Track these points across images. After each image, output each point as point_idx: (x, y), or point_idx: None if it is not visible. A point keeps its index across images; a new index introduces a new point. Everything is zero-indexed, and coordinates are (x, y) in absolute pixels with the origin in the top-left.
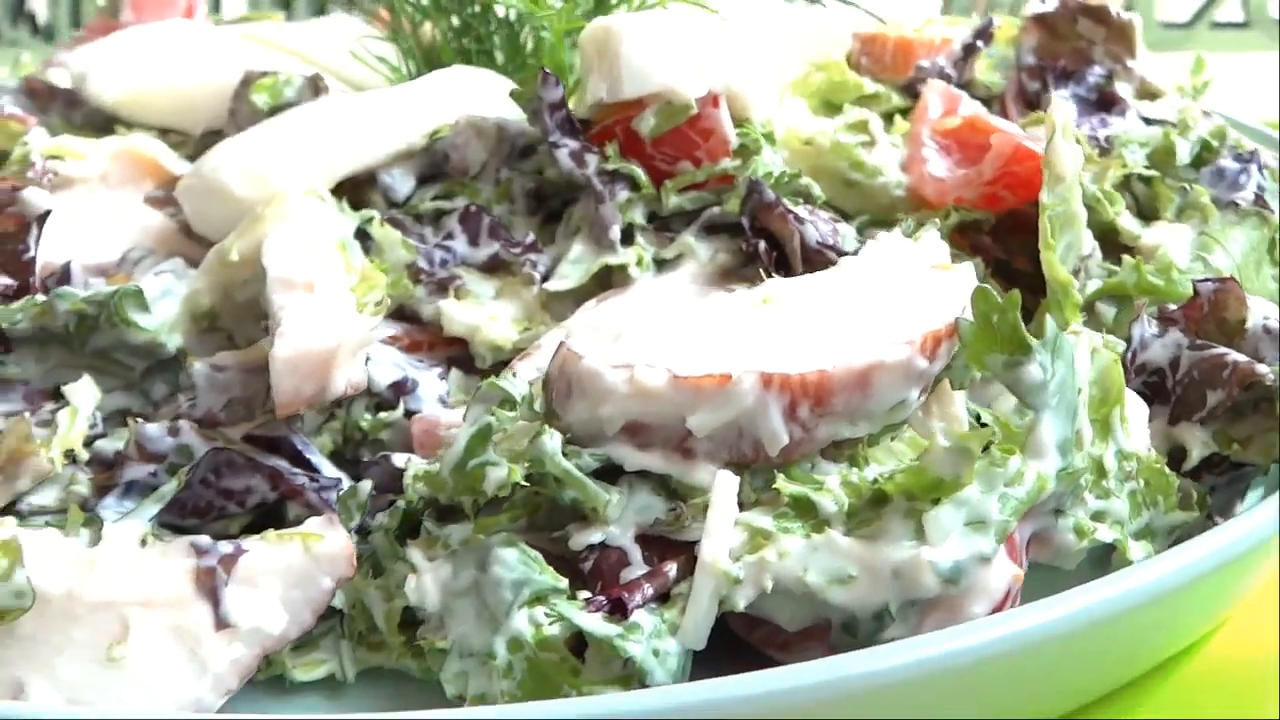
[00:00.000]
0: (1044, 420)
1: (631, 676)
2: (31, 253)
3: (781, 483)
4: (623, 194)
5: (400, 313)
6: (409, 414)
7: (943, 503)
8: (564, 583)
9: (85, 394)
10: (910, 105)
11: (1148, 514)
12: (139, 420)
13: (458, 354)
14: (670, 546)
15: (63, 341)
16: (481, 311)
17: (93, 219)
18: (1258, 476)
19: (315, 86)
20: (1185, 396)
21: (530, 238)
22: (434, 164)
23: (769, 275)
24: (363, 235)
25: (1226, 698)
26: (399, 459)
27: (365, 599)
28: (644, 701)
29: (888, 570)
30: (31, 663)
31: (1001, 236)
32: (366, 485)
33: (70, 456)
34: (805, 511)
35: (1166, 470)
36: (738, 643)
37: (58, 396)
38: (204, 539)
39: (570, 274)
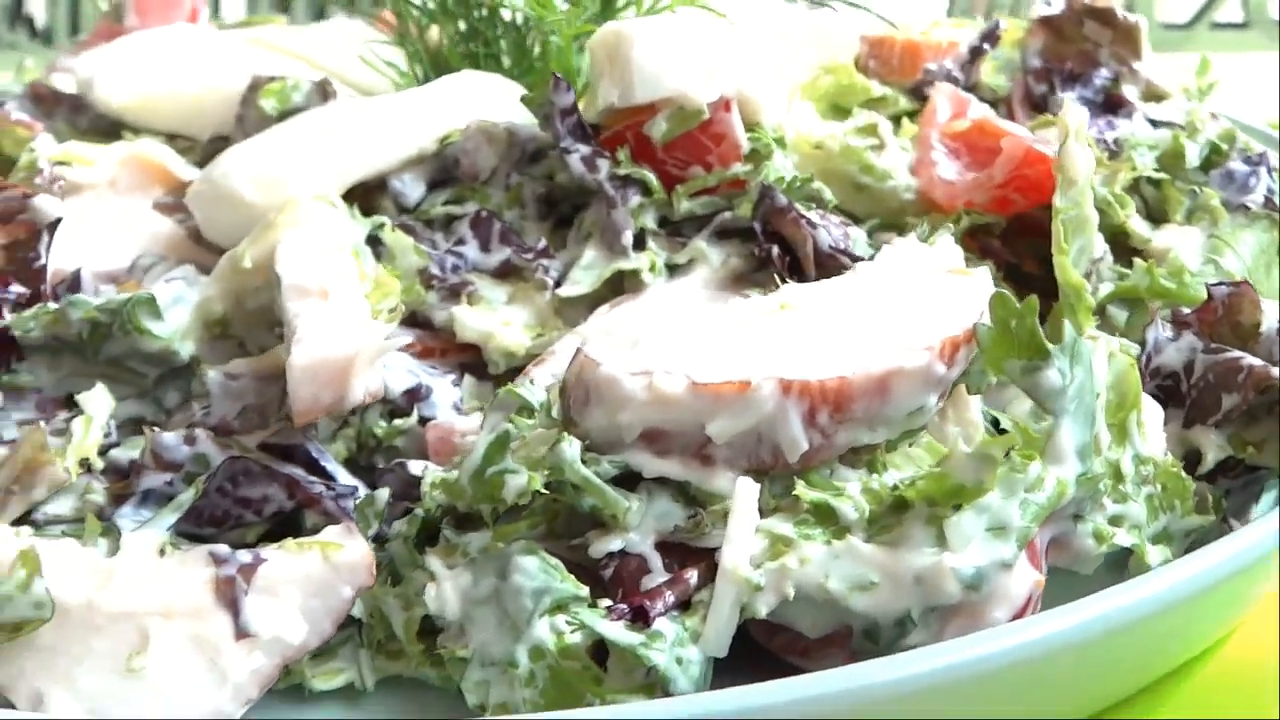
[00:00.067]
0: (1063, 425)
1: (654, 685)
2: (43, 260)
3: (801, 489)
4: (635, 199)
5: (412, 319)
6: (423, 421)
7: (964, 509)
8: (585, 591)
9: (99, 402)
10: (917, 108)
11: (1164, 518)
12: (155, 429)
13: (470, 360)
14: (690, 553)
15: (75, 349)
16: (494, 317)
17: (101, 225)
18: (1272, 479)
19: (323, 91)
20: (1200, 400)
21: (542, 243)
22: (444, 169)
23: (783, 280)
24: (373, 241)
25: (1244, 698)
26: (415, 466)
27: (384, 607)
28: (673, 710)
29: (910, 577)
30: (51, 674)
31: (1010, 240)
32: (384, 493)
33: (85, 465)
34: (826, 518)
35: (1183, 474)
36: (757, 649)
37: (70, 405)
38: (223, 548)
39: (583, 279)
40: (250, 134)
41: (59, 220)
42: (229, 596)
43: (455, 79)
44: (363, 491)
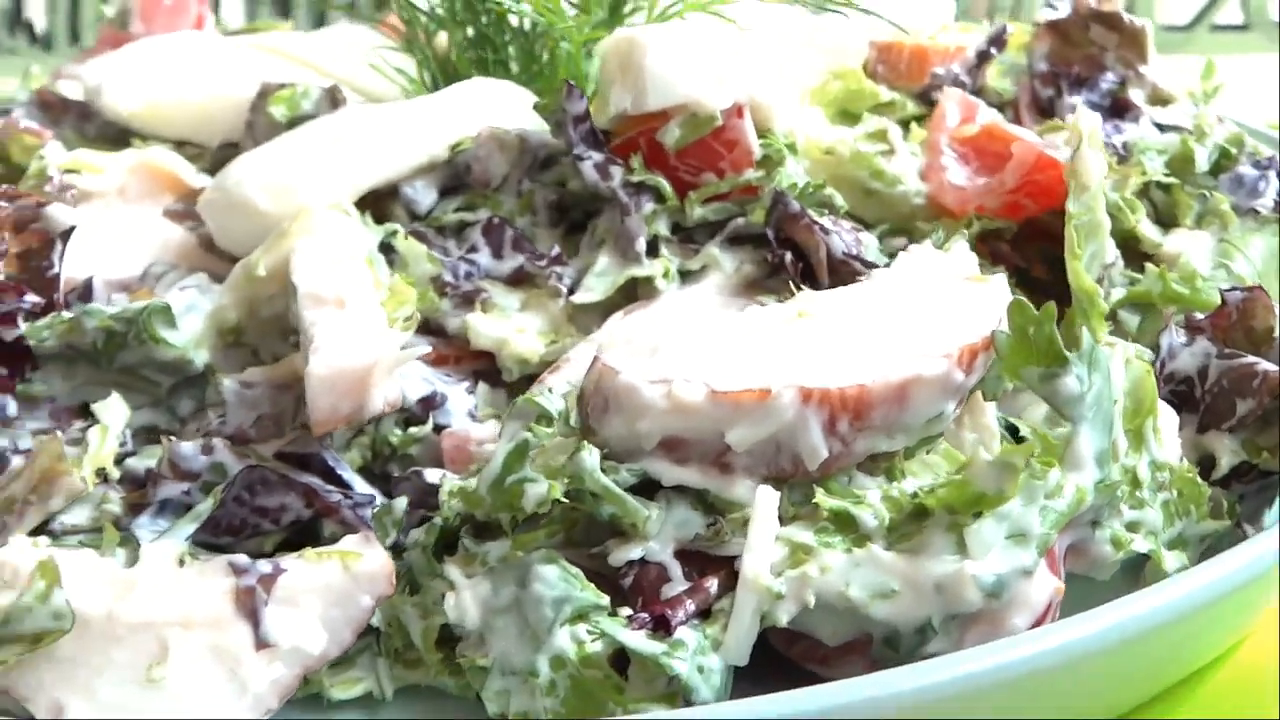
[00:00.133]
0: (1081, 432)
1: (676, 694)
2: (56, 269)
3: (821, 497)
4: (648, 206)
5: (425, 326)
6: (438, 429)
7: (984, 516)
8: (605, 599)
9: (115, 412)
10: (925, 113)
11: (1180, 523)
12: (171, 439)
13: (484, 367)
14: (709, 562)
15: (90, 358)
16: (508, 324)
17: (112, 233)
18: None
19: (333, 98)
20: (1214, 405)
21: (555, 250)
22: (456, 176)
23: (797, 287)
24: (386, 248)
25: (1256, 702)
26: (431, 474)
27: (402, 616)
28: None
29: (930, 584)
30: (71, 685)
31: (1019, 244)
32: (402, 502)
33: (101, 475)
34: (845, 526)
35: (1198, 480)
36: (776, 657)
37: (84, 414)
38: (242, 558)
39: (596, 286)
40: (260, 141)
41: (72, 229)
42: (249, 606)
43: (467, 86)
44: (380, 500)
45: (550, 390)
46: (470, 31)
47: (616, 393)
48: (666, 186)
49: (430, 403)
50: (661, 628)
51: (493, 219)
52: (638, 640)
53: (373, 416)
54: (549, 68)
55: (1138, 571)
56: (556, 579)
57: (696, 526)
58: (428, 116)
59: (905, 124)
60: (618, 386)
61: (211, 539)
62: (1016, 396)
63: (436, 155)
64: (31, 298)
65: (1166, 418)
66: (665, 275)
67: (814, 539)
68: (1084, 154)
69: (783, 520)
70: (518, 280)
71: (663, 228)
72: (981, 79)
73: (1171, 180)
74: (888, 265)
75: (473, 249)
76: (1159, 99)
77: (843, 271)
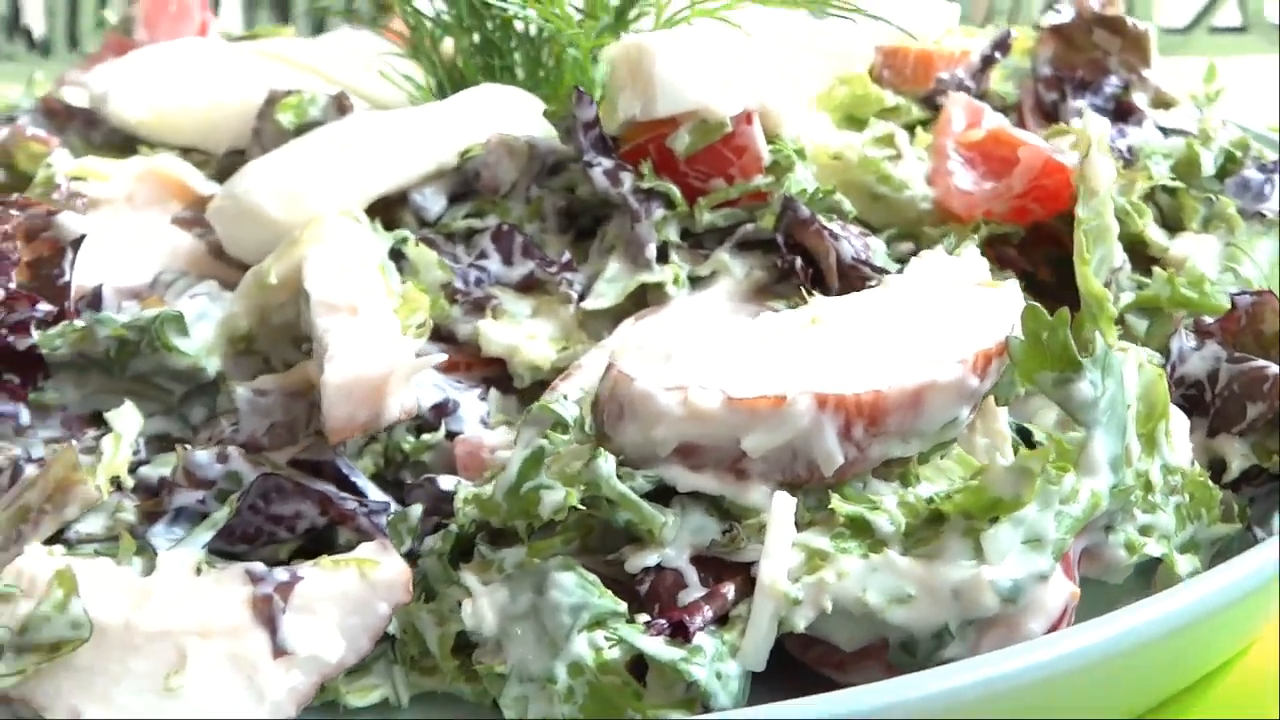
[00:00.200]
0: (1096, 437)
1: (695, 699)
2: (66, 277)
3: (837, 503)
4: (658, 212)
5: (436, 333)
6: (450, 435)
7: (1000, 522)
8: (623, 606)
9: (129, 420)
10: (930, 117)
11: (1192, 527)
12: (186, 447)
13: (495, 374)
14: (725, 568)
15: (102, 367)
16: (519, 331)
17: (120, 241)
18: None
19: (340, 105)
20: (1225, 409)
21: (566, 256)
22: (464, 182)
23: (808, 292)
24: (395, 255)
25: (1267, 703)
26: (445, 481)
27: (417, 623)
28: None
29: (947, 590)
30: (89, 693)
31: (1025, 249)
32: (417, 509)
33: (116, 483)
34: (861, 531)
35: (1210, 483)
36: (791, 662)
37: (96, 422)
38: (259, 566)
39: (607, 293)
40: (267, 148)
41: (83, 237)
42: (266, 614)
43: (475, 93)
44: (394, 507)
45: (565, 397)
46: (476, 37)
47: (632, 399)
48: (676, 192)
49: (443, 409)
50: (679, 634)
51: (502, 225)
52: (656, 646)
53: (389, 424)
54: (554, 73)
55: (1149, 574)
56: (574, 585)
57: (712, 532)
58: (437, 123)
59: (910, 128)
60: (633, 393)
61: (226, 547)
62: (1027, 401)
63: (446, 162)
64: (44, 306)
65: (1178, 422)
66: (675, 281)
67: (830, 545)
68: (1093, 159)
69: (799, 526)
70: (528, 287)
71: (672, 234)
72: (985, 83)
73: (1177, 184)
74: (898, 271)
75: (482, 255)
76: (1162, 102)
77: (852, 276)
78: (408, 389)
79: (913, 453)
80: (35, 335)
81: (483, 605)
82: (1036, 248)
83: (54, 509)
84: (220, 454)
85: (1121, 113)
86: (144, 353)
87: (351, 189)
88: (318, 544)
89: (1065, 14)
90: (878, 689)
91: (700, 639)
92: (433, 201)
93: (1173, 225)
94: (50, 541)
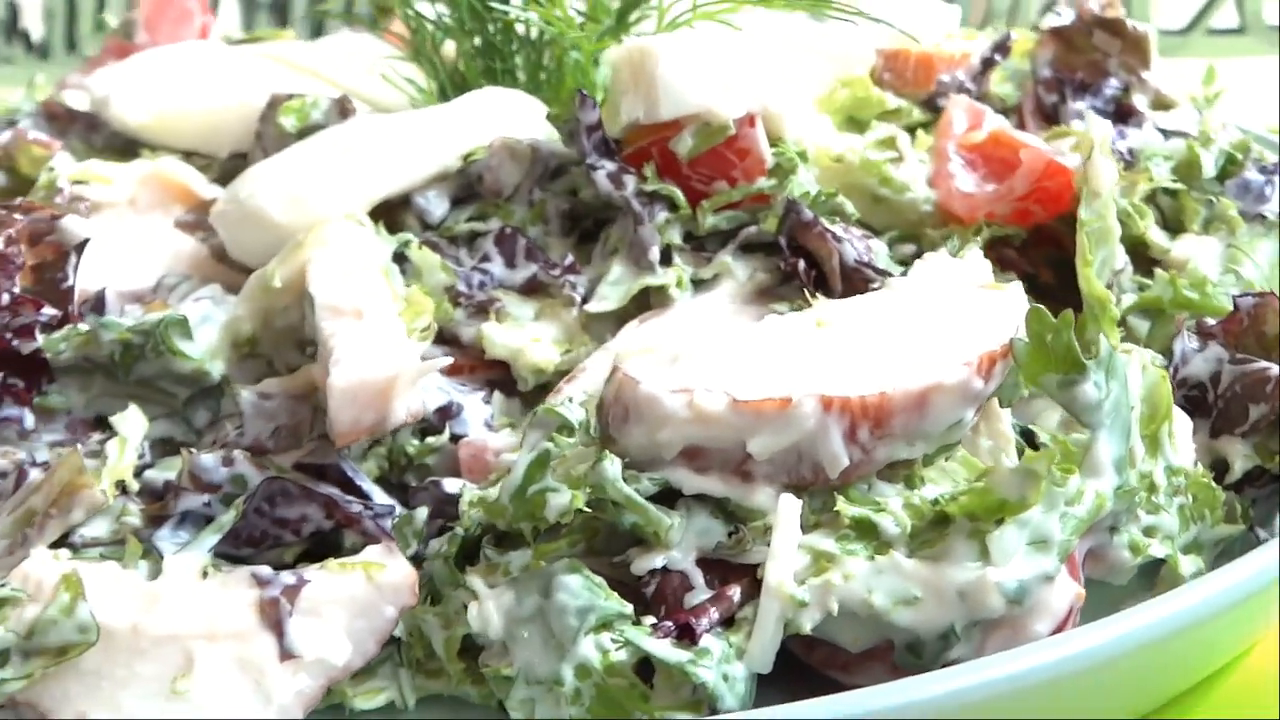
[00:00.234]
0: (1100, 439)
1: (702, 701)
2: (70, 281)
3: (842, 505)
4: (661, 215)
5: (439, 336)
6: (454, 438)
7: (1006, 523)
8: (629, 608)
9: (134, 424)
10: (931, 119)
11: (1195, 528)
12: (192, 451)
13: (498, 377)
14: (731, 570)
15: (106, 371)
16: (523, 334)
17: (123, 245)
18: None
19: (342, 108)
20: (1227, 410)
21: (569, 259)
22: (467, 186)
23: (811, 294)
24: (398, 258)
25: (1269, 703)
26: (450, 484)
27: (424, 626)
28: None
29: (953, 591)
30: (95, 697)
31: (1026, 250)
32: (423, 512)
33: (121, 487)
34: (867, 533)
35: (1213, 484)
36: (795, 664)
37: (100, 426)
38: (265, 569)
39: (611, 295)
40: (270, 151)
41: (87, 241)
42: (273, 618)
43: (478, 96)
44: (399, 510)
45: (570, 400)
46: (477, 40)
47: (638, 402)
48: (679, 195)
49: (447, 412)
50: (686, 636)
51: (505, 228)
52: (663, 649)
53: (395, 427)
54: (556, 76)
55: (1151, 575)
56: (580, 588)
57: (718, 535)
58: (439, 126)
59: (911, 131)
60: (639, 396)
61: (232, 551)
62: (1030, 403)
63: (448, 165)
64: (48, 310)
65: (1180, 423)
66: (679, 284)
67: (836, 546)
68: (1096, 161)
69: (804, 528)
70: (531, 289)
71: (675, 236)
72: (985, 86)
73: (1178, 186)
74: (901, 273)
75: (485, 258)
76: (1161, 104)
77: (855, 279)
78: (414, 392)
79: (918, 455)
80: (40, 339)
81: (489, 608)
82: (1037, 249)
83: (59, 513)
84: (225, 457)
85: (1121, 115)
86: (148, 356)
87: (355, 192)
88: (323, 547)
89: (1065, 16)
90: (883, 690)
91: (707, 641)
92: (435, 205)
93: (1173, 227)
94: (55, 545)
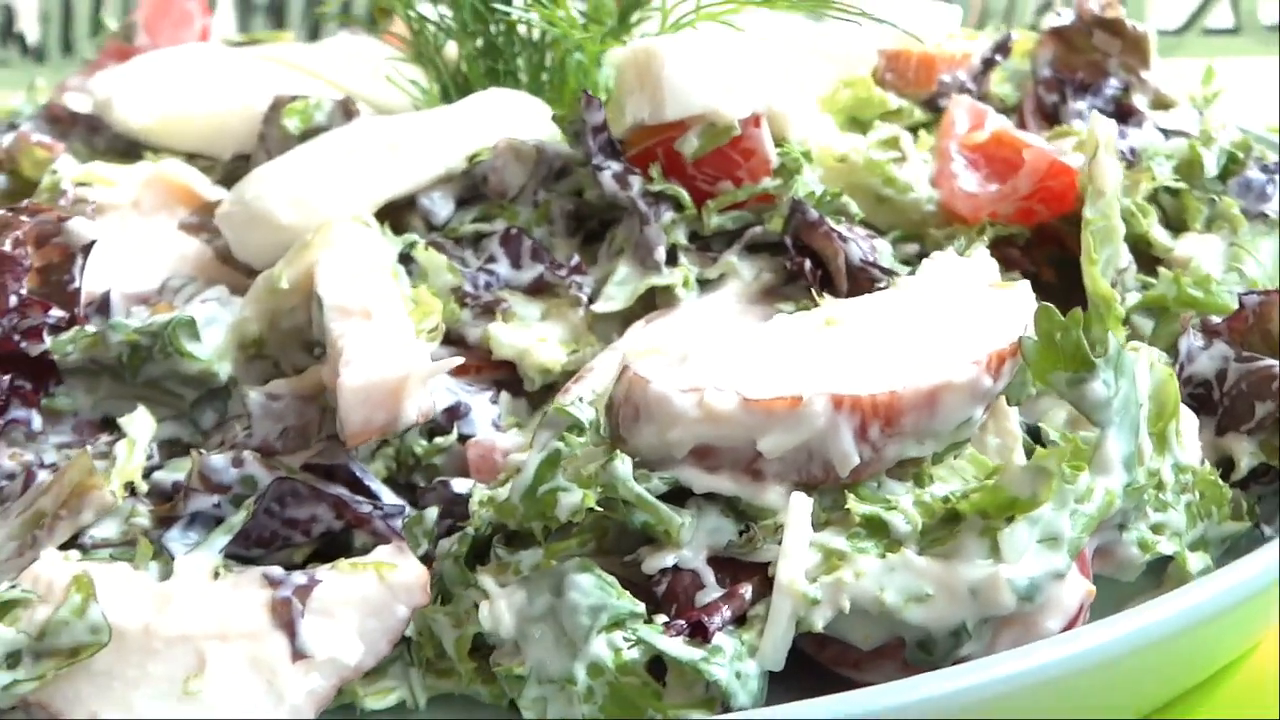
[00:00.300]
0: (1109, 436)
1: (714, 699)
2: (76, 283)
3: (853, 503)
4: (667, 215)
5: (446, 336)
6: (462, 439)
7: (1017, 521)
8: (641, 607)
9: (142, 425)
10: (933, 119)
11: (1202, 525)
12: (201, 452)
13: (505, 377)
14: (741, 568)
15: (113, 372)
16: (529, 334)
17: (128, 246)
18: None
19: (346, 110)
20: (1233, 408)
21: (575, 259)
22: (472, 187)
23: (817, 294)
24: (404, 259)
25: (1272, 702)
26: (459, 484)
27: (434, 626)
28: None
29: (965, 588)
30: (107, 698)
31: (1028, 249)
32: (433, 512)
33: (130, 488)
34: (878, 531)
35: (1220, 482)
36: (807, 661)
37: (107, 428)
38: (276, 570)
39: (617, 295)
40: (273, 153)
41: (93, 243)
42: (285, 618)
43: (483, 97)
44: (408, 510)
45: (580, 399)
46: (480, 42)
47: (648, 402)
48: (685, 195)
49: (455, 413)
50: (698, 634)
51: (510, 229)
52: (676, 647)
53: (405, 427)
54: (558, 78)
55: (1158, 572)
56: (592, 586)
57: (729, 533)
58: (444, 127)
59: (914, 131)
60: (649, 396)
61: (242, 551)
62: (1037, 401)
63: (453, 166)
64: (56, 312)
65: (1187, 421)
66: (685, 284)
67: (847, 544)
68: (1101, 160)
69: (815, 526)
70: (537, 290)
71: (681, 236)
72: (986, 85)
73: (1180, 185)
74: (911, 273)
75: (491, 259)
76: (1161, 104)
77: (860, 278)
78: (424, 392)
79: (927, 453)
80: (47, 341)
81: (500, 607)
82: (1039, 249)
83: (69, 514)
84: (235, 458)
85: (1122, 114)
86: (156, 358)
87: (360, 194)
88: (332, 548)
89: (1065, 16)
90: (895, 688)
91: (719, 639)
92: (441, 206)
93: (1176, 226)
94: (65, 547)
